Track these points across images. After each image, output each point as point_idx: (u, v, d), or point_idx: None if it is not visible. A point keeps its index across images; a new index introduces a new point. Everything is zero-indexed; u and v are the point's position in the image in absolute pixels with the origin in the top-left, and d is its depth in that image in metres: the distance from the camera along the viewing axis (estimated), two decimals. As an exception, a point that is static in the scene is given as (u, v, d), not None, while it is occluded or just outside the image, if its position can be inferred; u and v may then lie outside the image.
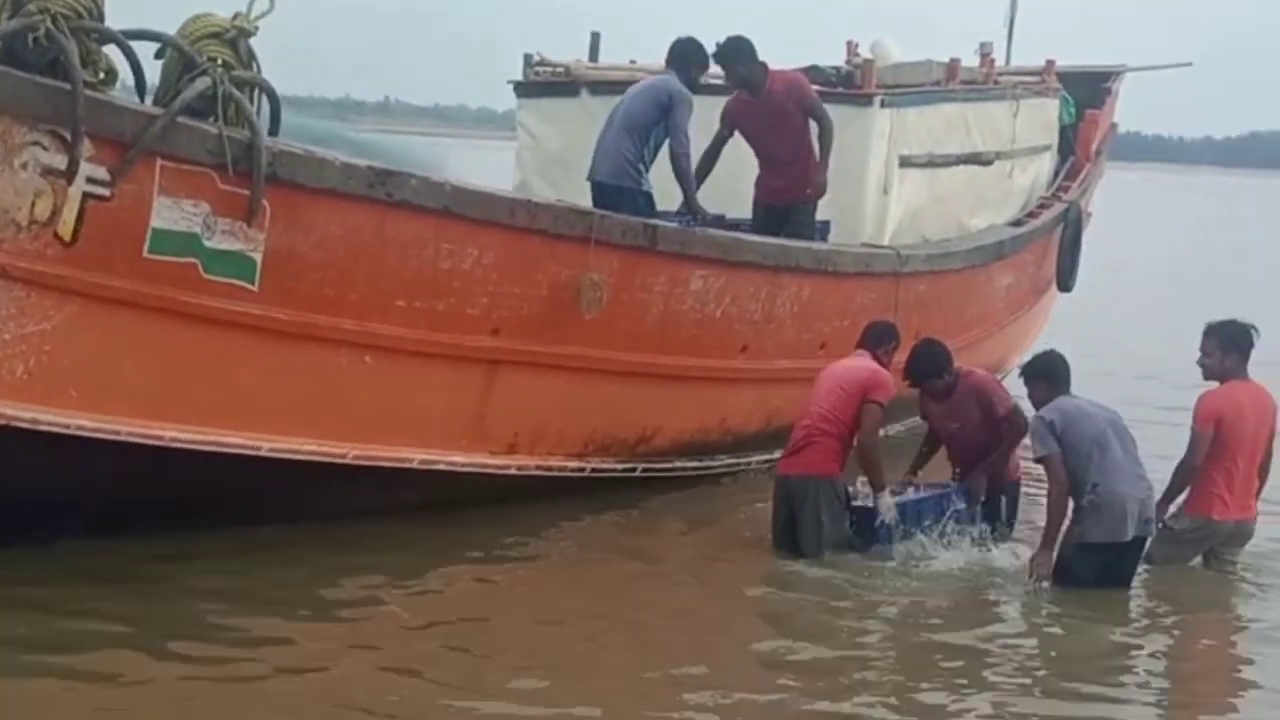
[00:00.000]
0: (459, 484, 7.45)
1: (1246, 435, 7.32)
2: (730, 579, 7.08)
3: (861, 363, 7.67)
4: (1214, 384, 7.48)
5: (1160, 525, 7.30)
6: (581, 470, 8.01)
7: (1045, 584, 7.02)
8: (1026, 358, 12.34)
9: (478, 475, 7.51)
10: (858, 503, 7.56)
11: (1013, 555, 7.43)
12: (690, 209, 8.42)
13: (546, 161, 10.72)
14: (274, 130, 6.39)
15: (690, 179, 8.41)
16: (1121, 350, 14.54)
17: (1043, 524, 7.26)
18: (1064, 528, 7.14)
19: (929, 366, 7.92)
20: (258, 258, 6.35)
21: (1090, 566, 6.96)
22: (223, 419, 6.48)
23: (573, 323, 7.49)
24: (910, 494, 7.73)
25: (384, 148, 8.56)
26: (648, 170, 8.38)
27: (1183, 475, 7.37)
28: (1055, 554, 7.09)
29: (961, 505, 7.63)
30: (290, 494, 6.88)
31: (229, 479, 6.61)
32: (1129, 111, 15.63)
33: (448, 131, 64.21)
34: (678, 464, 8.57)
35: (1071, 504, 7.11)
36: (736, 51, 9.03)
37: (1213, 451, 7.30)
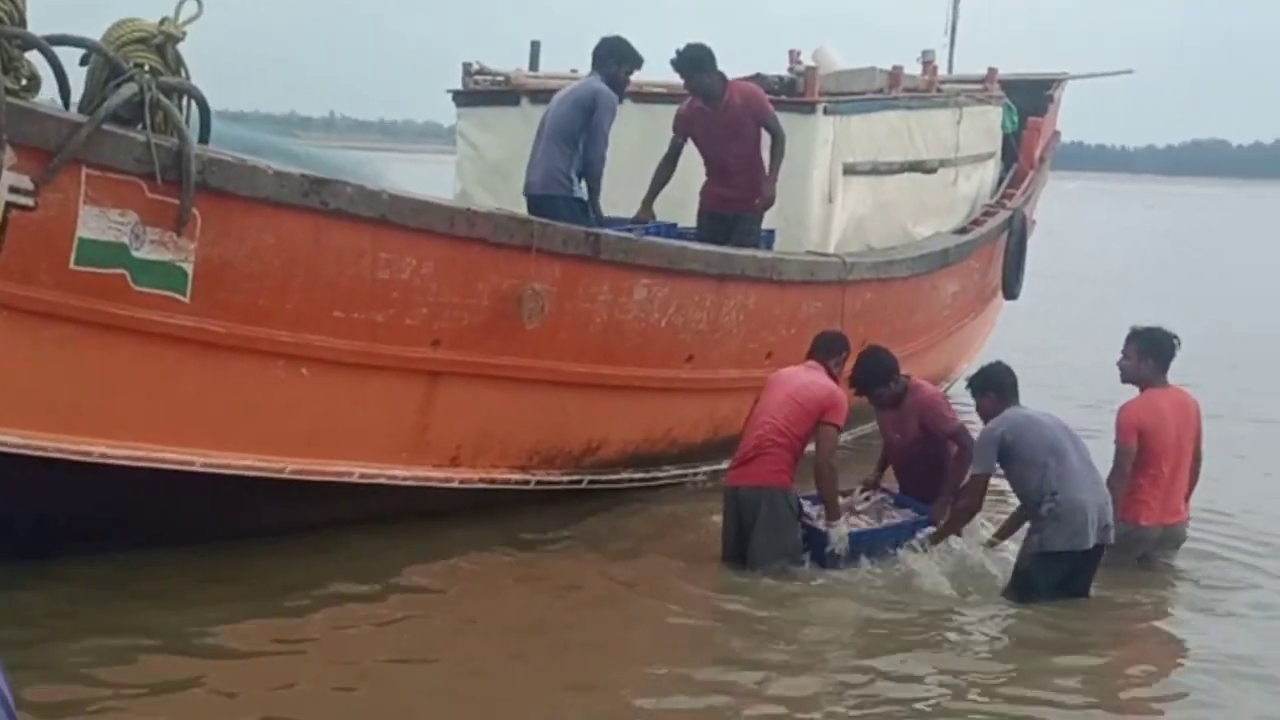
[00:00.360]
0: (401, 498, 7.34)
1: (1170, 441, 7.39)
2: (678, 592, 6.97)
3: (817, 378, 7.55)
4: (1131, 388, 7.55)
5: None
6: (526, 483, 7.91)
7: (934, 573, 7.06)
8: (973, 366, 12.49)
9: (420, 489, 7.39)
10: (811, 521, 7.46)
11: (974, 566, 7.35)
12: (593, 210, 8.28)
13: (487, 171, 10.64)
14: (204, 138, 6.25)
15: (599, 183, 8.30)
16: (1069, 361, 14.57)
17: (1000, 525, 7.27)
18: (1023, 537, 7.13)
19: (874, 375, 7.88)
20: (189, 268, 6.22)
21: (1051, 576, 6.92)
22: (156, 434, 6.33)
23: (515, 333, 7.40)
24: (866, 523, 7.58)
25: (323, 159, 8.40)
26: (581, 177, 8.28)
27: (1114, 489, 7.30)
28: (1013, 565, 7.08)
29: (921, 537, 7.45)
30: (227, 510, 6.75)
31: (163, 496, 6.46)
32: (1072, 121, 15.77)
33: (393, 146, 64.06)
34: (624, 475, 8.49)
35: (1029, 513, 7.10)
36: (696, 61, 8.99)
37: (1138, 460, 7.38)
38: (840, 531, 7.28)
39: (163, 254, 6.13)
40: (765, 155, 9.25)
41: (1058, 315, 18.57)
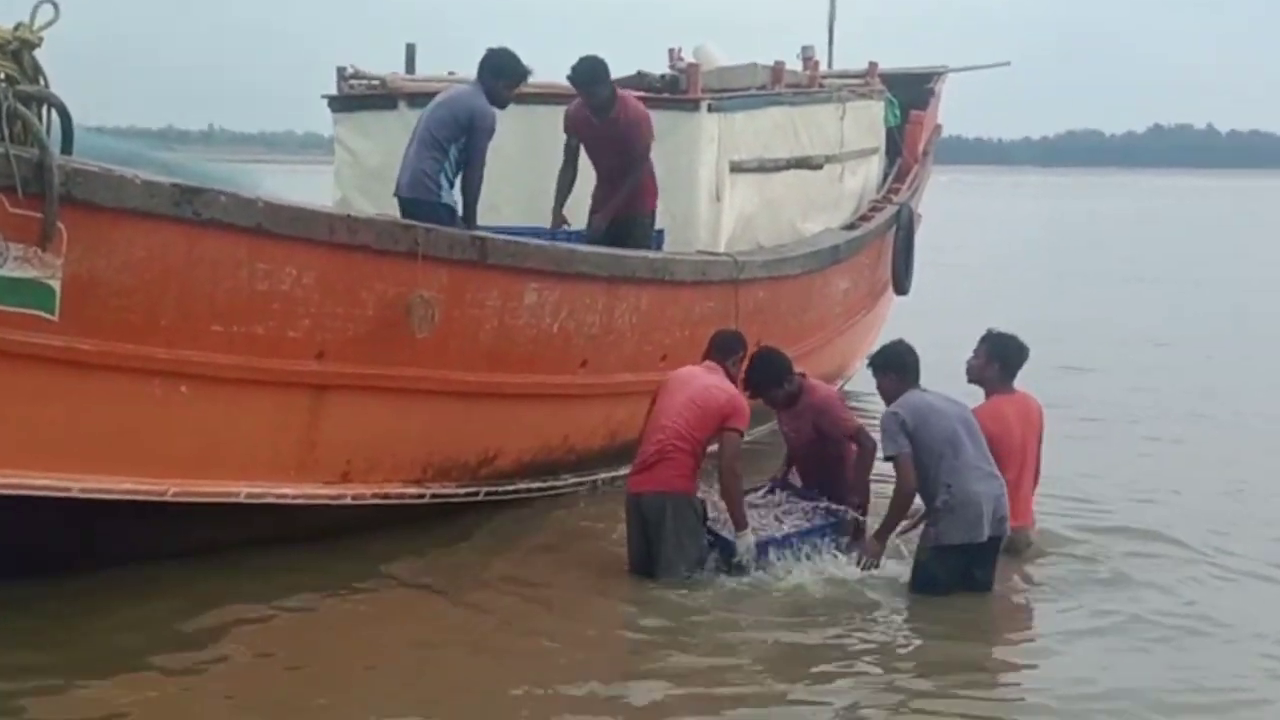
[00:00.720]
0: (291, 517, 7.16)
1: (1015, 448, 7.38)
2: (584, 605, 6.86)
3: (718, 381, 7.43)
4: (976, 389, 7.61)
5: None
6: (421, 496, 7.75)
7: (874, 570, 7.03)
8: (858, 364, 12.46)
9: (311, 507, 7.21)
10: (716, 528, 7.36)
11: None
12: (468, 224, 8.05)
13: (366, 177, 10.42)
14: (67, 149, 6.03)
15: (474, 206, 8.10)
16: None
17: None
18: (918, 530, 7.10)
19: (767, 376, 7.80)
20: (56, 285, 5.99)
21: (949, 569, 6.90)
22: (26, 459, 6.08)
23: (404, 343, 7.24)
24: (774, 530, 7.46)
25: (197, 171, 8.16)
26: (451, 184, 8.10)
27: None
28: (913, 558, 7.06)
29: (828, 541, 7.38)
30: (108, 536, 6.52)
31: (38, 524, 6.20)
32: (949, 115, 15.92)
33: (275, 158, 62.97)
34: (522, 485, 8.35)
35: (924, 506, 7.06)
36: (592, 73, 8.90)
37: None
38: (747, 541, 7.19)
39: (27, 271, 5.92)
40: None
41: (946, 309, 18.73)
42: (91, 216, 5.99)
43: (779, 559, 7.24)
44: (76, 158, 6.05)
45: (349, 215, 7.09)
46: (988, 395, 7.61)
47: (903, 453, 6.90)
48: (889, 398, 7.18)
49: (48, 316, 6.00)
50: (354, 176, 10.59)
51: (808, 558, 7.28)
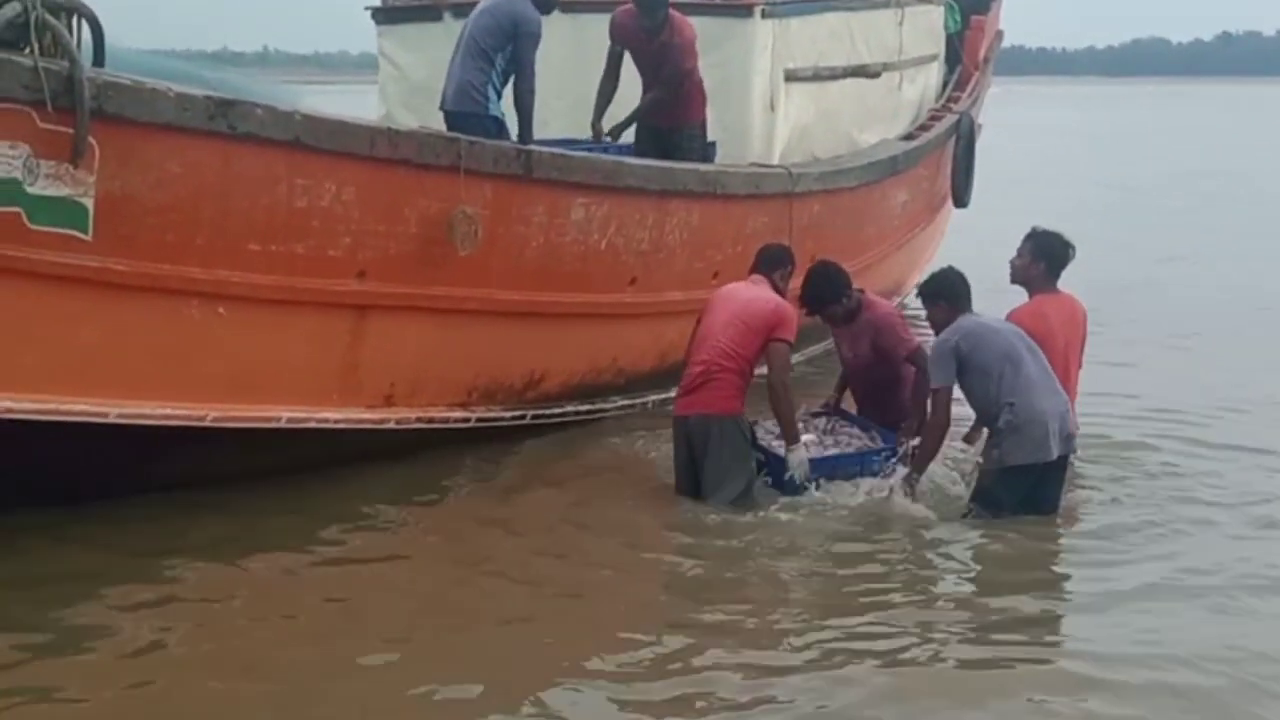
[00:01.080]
0: (334, 441, 7.06)
1: (1058, 350, 7.11)
2: (631, 529, 6.70)
3: (762, 293, 7.22)
4: (1020, 290, 7.36)
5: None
6: (467, 420, 7.64)
7: (906, 502, 6.83)
8: (917, 276, 12.27)
9: (354, 431, 7.11)
10: (766, 443, 7.21)
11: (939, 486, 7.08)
12: (525, 139, 7.85)
13: (411, 92, 10.22)
14: (99, 61, 5.87)
15: (531, 116, 7.90)
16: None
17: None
18: (982, 452, 6.93)
19: (825, 291, 7.58)
20: (89, 203, 5.85)
21: (1014, 491, 6.70)
22: (62, 384, 5.99)
23: (447, 261, 7.10)
24: (828, 449, 7.29)
25: (238, 87, 8.02)
26: (499, 94, 7.94)
27: None
28: (974, 482, 6.88)
29: (888, 464, 7.15)
30: (146, 462, 6.44)
31: (75, 450, 6.12)
32: (1012, 25, 15.52)
33: (329, 78, 62.76)
34: (569, 408, 8.23)
35: (985, 429, 6.89)
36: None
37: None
38: (800, 456, 7.03)
39: (60, 189, 5.78)
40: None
41: (1008, 222, 18.45)
42: (124, 131, 5.84)
43: (830, 480, 7.07)
44: (115, 71, 5.89)
45: (389, 128, 6.94)
46: (1031, 295, 7.34)
47: (946, 385, 6.71)
48: (939, 328, 6.95)
49: (81, 236, 5.87)
50: (399, 91, 10.39)
51: (861, 480, 7.10)
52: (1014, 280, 7.38)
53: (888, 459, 7.19)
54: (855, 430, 7.56)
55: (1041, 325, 7.08)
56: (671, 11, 8.80)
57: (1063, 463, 6.79)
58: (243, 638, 5.33)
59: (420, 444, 7.46)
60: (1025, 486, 6.71)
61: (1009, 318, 7.11)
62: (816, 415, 7.75)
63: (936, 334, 6.97)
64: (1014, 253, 7.36)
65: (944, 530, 6.67)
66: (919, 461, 6.89)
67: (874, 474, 7.10)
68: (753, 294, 7.22)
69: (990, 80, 14.48)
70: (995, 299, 7.51)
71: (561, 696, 4.86)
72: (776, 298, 7.24)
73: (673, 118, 8.95)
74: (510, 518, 6.81)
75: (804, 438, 7.22)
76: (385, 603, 5.75)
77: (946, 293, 7.00)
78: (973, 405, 6.92)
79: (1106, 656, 5.24)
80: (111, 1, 5.84)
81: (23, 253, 5.77)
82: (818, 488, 7.03)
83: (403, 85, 10.35)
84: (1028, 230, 7.40)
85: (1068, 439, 6.74)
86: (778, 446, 7.17)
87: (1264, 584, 6.07)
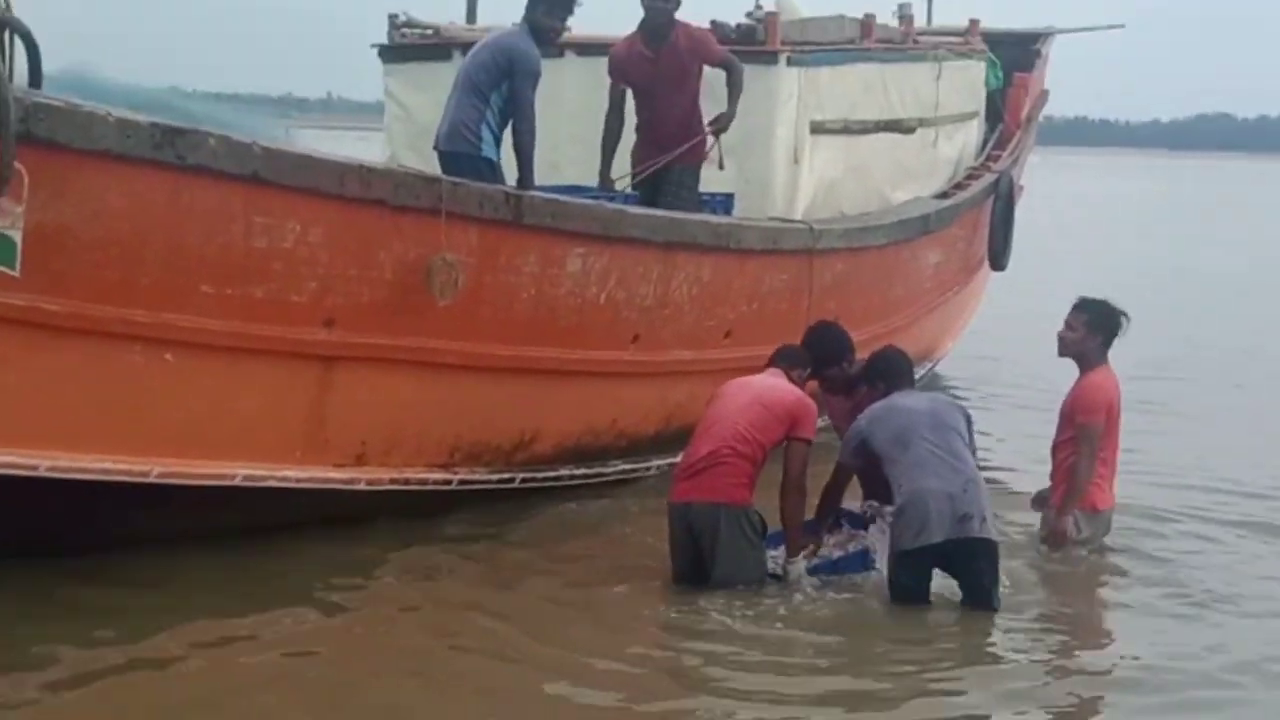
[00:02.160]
0: (297, 502, 6.52)
1: (1119, 422, 7.11)
2: (622, 613, 6.08)
3: (782, 383, 6.62)
4: (1068, 362, 7.22)
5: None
6: (448, 482, 7.08)
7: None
8: (958, 343, 11.69)
9: (320, 492, 6.56)
10: (770, 566, 6.50)
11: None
12: (525, 186, 7.35)
13: (418, 134, 9.66)
14: (35, 82, 5.38)
15: (531, 159, 7.46)
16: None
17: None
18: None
19: (826, 350, 6.94)
20: (16, 236, 5.32)
21: (915, 575, 6.19)
22: None
23: (425, 311, 6.55)
24: (832, 551, 6.67)
25: (224, 120, 7.53)
26: (496, 136, 7.49)
27: (1080, 476, 6.95)
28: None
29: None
30: (84, 520, 5.89)
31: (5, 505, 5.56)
32: (1071, 97, 15.02)
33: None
34: (564, 472, 7.66)
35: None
36: None
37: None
38: (798, 569, 6.40)
39: (-17, 220, 5.25)
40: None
41: (1049, 287, 17.83)
42: (57, 158, 5.32)
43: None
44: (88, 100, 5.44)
45: (361, 164, 6.38)
46: (1085, 370, 7.09)
47: (843, 465, 6.63)
48: None
49: (8, 271, 5.35)
50: (405, 133, 9.95)
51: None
52: (1064, 353, 7.20)
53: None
54: (863, 532, 6.82)
55: (1116, 395, 7.05)
56: (679, 22, 8.46)
57: (969, 547, 6.12)
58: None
59: (397, 508, 6.92)
60: (922, 571, 6.19)
61: (1084, 389, 7.02)
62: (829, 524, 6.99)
63: None
64: (1062, 324, 7.17)
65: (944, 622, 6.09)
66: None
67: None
68: (772, 382, 6.64)
69: (1033, 141, 13.89)
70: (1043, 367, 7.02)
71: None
72: (799, 390, 6.65)
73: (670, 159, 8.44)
74: (484, 601, 6.18)
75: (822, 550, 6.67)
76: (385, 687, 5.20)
77: (884, 373, 6.70)
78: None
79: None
80: (182, 55, 5.38)
81: (-58, 290, 5.26)
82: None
83: (409, 127, 9.90)
84: (1075, 300, 7.21)
85: (962, 520, 6.08)
86: (775, 560, 6.51)
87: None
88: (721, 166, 8.65)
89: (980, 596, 6.15)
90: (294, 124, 10.56)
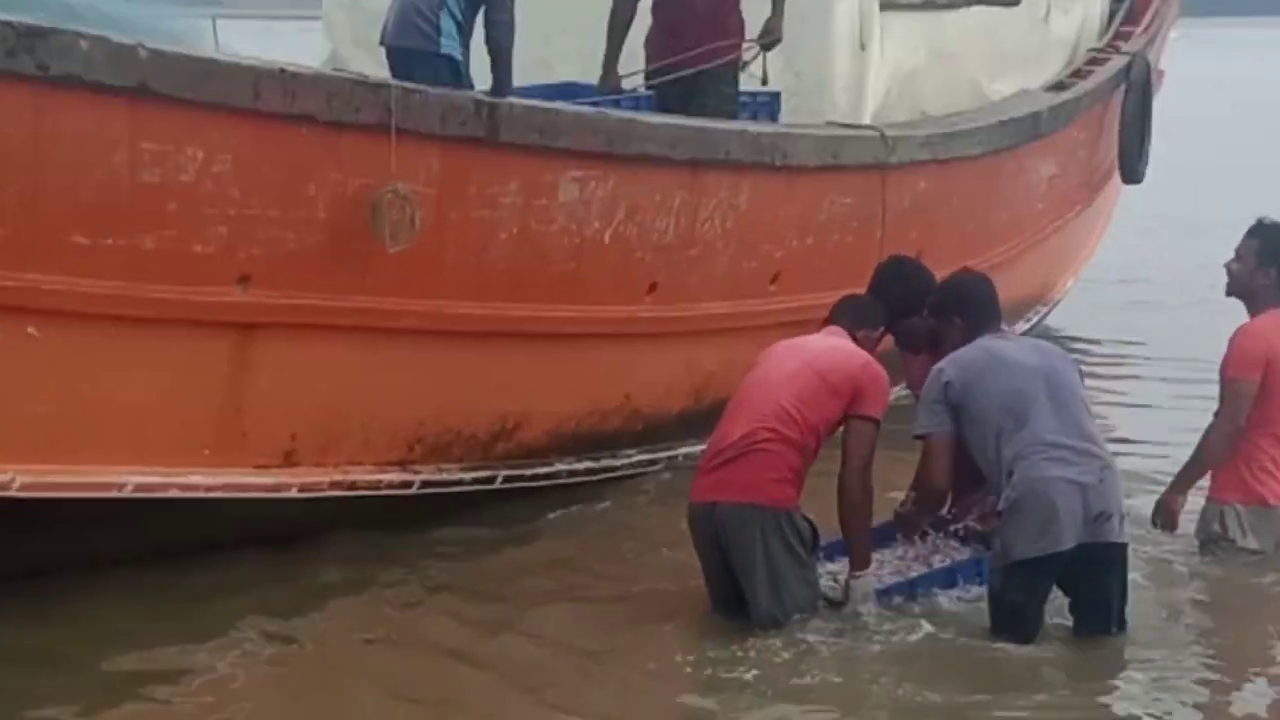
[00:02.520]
0: (212, 517, 6.70)
1: None
2: (639, 675, 6.04)
3: (845, 344, 6.61)
4: (1236, 303, 7.35)
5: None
6: (408, 485, 7.26)
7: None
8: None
9: (239, 502, 6.72)
10: (824, 585, 6.53)
11: None
12: (499, 92, 7.49)
13: (369, 24, 9.81)
14: None
15: (508, 56, 7.60)
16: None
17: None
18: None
19: (904, 293, 6.92)
20: None
21: (1028, 592, 6.21)
22: None
23: (371, 261, 6.69)
24: (909, 566, 6.73)
25: (109, 11, 7.58)
26: (460, 26, 7.58)
27: (1215, 446, 7.03)
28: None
29: (980, 577, 6.64)
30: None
31: None
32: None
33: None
34: (559, 467, 7.88)
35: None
36: None
37: (1258, 412, 7.03)
38: (865, 588, 6.38)
39: None
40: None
41: (1202, 206, 17.91)
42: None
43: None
44: None
45: (282, 69, 6.47)
46: (1254, 314, 7.23)
47: (934, 433, 6.33)
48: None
49: None
50: (350, 23, 10.26)
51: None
52: (1231, 291, 7.34)
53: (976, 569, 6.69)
54: (954, 543, 6.95)
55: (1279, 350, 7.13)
56: None
57: (1104, 555, 6.17)
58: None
59: (344, 518, 7.12)
60: (1041, 586, 6.23)
61: (1238, 338, 7.11)
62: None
63: None
64: (1230, 254, 7.26)
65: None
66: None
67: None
68: (833, 343, 6.62)
69: (1176, 11, 14.13)
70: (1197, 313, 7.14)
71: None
72: (865, 354, 6.62)
73: (701, 57, 8.57)
74: (466, 648, 6.23)
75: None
76: None
77: (958, 305, 6.66)
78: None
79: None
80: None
81: None
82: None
83: (356, 15, 10.17)
84: (1251, 223, 7.28)
85: (1098, 520, 6.12)
86: (834, 580, 6.55)
87: None
88: (765, 82, 8.83)
89: (1105, 618, 6.22)
90: (223, 11, 10.68)
